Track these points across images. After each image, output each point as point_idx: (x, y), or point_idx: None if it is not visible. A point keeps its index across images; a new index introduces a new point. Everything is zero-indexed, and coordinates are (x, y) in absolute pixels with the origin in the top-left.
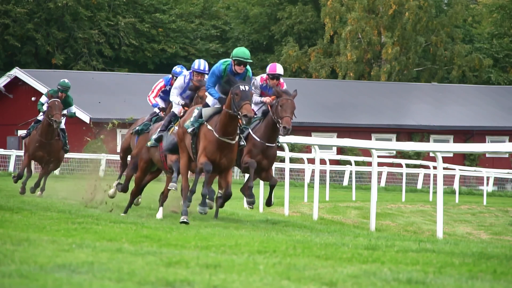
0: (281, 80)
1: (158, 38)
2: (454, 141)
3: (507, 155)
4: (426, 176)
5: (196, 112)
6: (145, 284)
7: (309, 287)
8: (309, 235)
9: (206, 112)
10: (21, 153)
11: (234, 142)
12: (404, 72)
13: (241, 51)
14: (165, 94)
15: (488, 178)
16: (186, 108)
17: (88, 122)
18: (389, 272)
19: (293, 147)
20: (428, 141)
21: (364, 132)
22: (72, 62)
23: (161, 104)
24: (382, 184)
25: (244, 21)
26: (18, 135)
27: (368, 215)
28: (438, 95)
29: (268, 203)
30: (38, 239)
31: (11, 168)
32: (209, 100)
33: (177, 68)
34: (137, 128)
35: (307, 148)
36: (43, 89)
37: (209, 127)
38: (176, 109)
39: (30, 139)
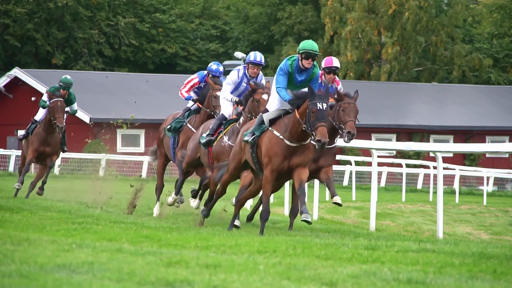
0: (336, 77)
1: (158, 38)
2: (454, 141)
3: (507, 155)
4: (426, 176)
5: (247, 129)
6: (145, 284)
7: (309, 287)
8: (309, 235)
9: (268, 116)
10: (20, 153)
11: (307, 142)
12: (404, 72)
13: (309, 44)
14: (198, 91)
15: (488, 178)
16: (240, 106)
17: (88, 122)
18: (389, 272)
19: None
20: (428, 141)
21: (364, 132)
22: (72, 62)
23: (194, 96)
24: (382, 184)
25: (244, 21)
26: (18, 135)
27: (368, 215)
28: (438, 95)
29: (334, 195)
30: (38, 239)
31: (11, 168)
32: (272, 104)
33: (213, 65)
34: (169, 125)
35: None
36: (43, 89)
37: (275, 132)
38: (227, 110)
39: (34, 135)
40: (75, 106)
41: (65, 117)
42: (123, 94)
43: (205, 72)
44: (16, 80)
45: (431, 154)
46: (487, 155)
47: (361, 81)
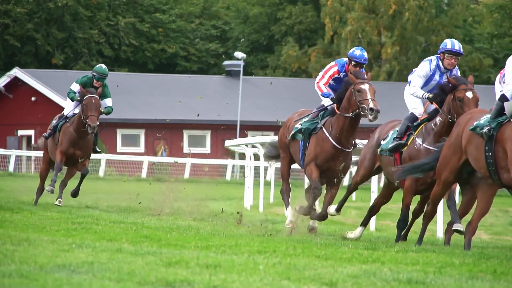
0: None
1: (158, 38)
2: None
3: None
4: None
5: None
6: (145, 284)
7: (309, 287)
8: (309, 235)
9: (510, 106)
10: (20, 153)
11: None
12: (404, 72)
13: None
14: (336, 83)
15: None
16: (435, 104)
17: None
18: (389, 272)
19: None
20: None
21: (364, 132)
22: (72, 62)
23: (332, 94)
24: (382, 184)
25: (244, 21)
26: (18, 135)
27: None
28: None
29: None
30: (38, 239)
31: (11, 168)
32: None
33: (356, 51)
34: (300, 127)
35: None
36: (43, 89)
37: None
38: (418, 108)
39: (63, 133)
40: (109, 101)
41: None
42: (123, 94)
43: (345, 59)
44: (16, 80)
45: None
46: None
47: None
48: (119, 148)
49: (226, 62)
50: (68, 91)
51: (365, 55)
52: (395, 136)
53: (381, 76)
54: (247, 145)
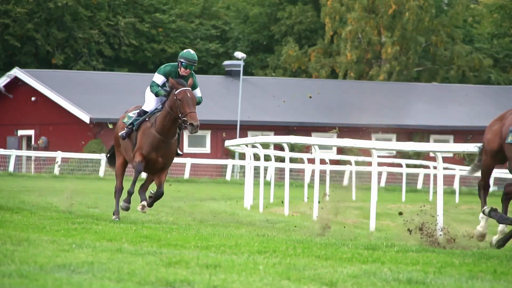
0: None
1: (158, 38)
2: (454, 141)
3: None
4: (426, 176)
5: None
6: (145, 284)
7: (309, 287)
8: (309, 235)
9: None
10: (20, 153)
11: None
12: (404, 72)
13: None
14: None
15: None
16: None
17: (88, 122)
18: (389, 272)
19: (293, 147)
20: (428, 141)
21: (364, 132)
22: (72, 62)
23: None
24: (382, 184)
25: (244, 21)
26: (18, 135)
27: (368, 215)
28: (438, 95)
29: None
30: (38, 239)
31: (11, 168)
32: None
33: None
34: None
35: (307, 148)
36: (43, 89)
37: None
38: None
39: (143, 134)
40: (199, 92)
41: None
42: (123, 94)
43: None
44: (16, 80)
45: (431, 154)
46: None
47: (361, 81)
48: None
49: (226, 62)
50: (151, 84)
51: None
52: None
53: (381, 76)
54: (247, 145)
